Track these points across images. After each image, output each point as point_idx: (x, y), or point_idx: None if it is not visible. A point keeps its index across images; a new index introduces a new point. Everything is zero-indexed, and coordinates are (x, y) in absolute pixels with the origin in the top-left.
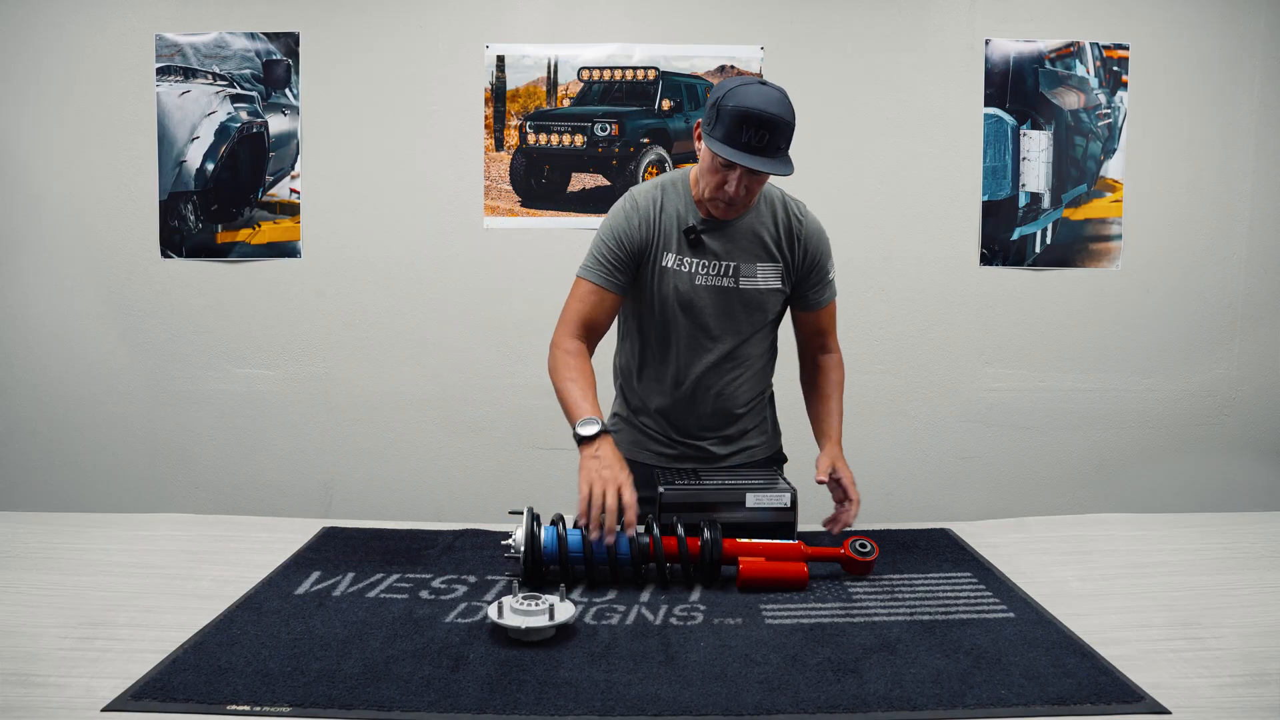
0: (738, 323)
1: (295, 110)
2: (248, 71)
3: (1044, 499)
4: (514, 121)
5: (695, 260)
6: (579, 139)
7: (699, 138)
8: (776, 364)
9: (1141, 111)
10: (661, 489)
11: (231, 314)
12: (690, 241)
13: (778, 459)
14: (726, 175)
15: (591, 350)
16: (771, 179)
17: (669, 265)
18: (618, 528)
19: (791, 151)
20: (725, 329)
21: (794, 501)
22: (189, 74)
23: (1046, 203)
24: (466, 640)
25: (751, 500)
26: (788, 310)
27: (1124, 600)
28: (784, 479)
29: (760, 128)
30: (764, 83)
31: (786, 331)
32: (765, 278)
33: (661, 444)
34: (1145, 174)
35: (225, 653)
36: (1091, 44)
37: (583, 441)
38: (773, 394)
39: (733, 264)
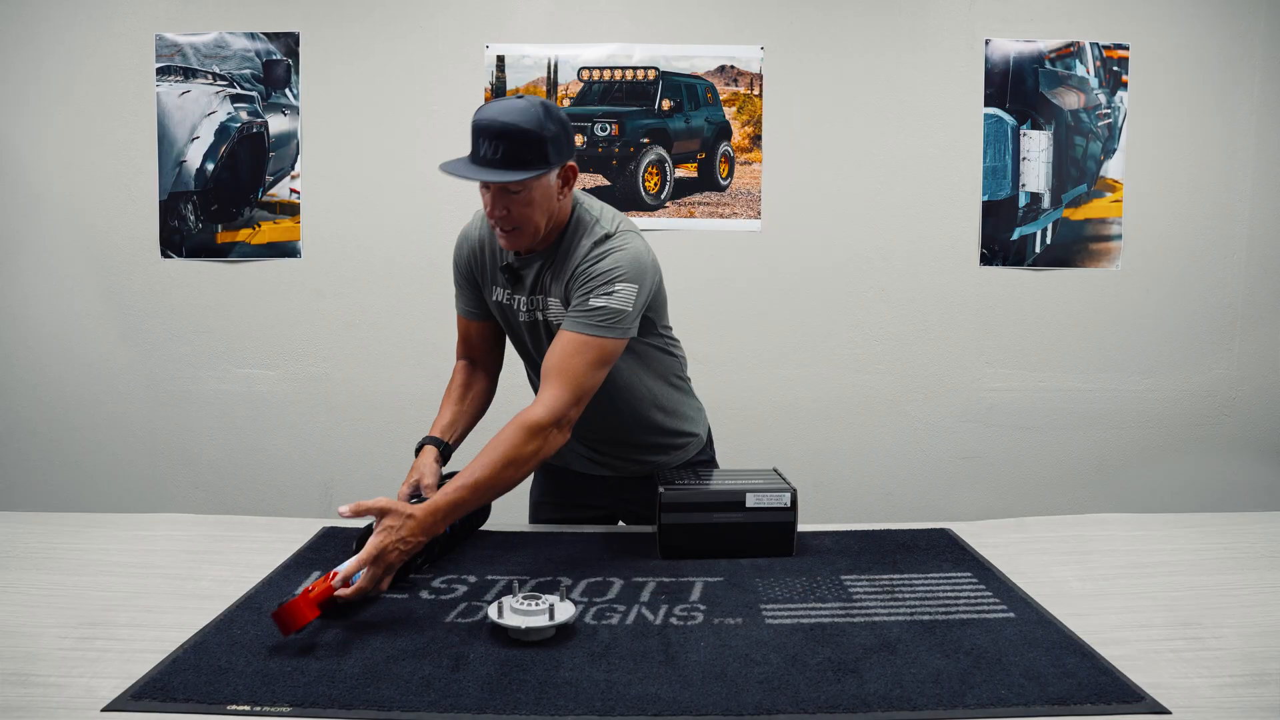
0: None
1: (295, 110)
2: (248, 71)
3: (1044, 499)
4: None
5: (515, 295)
6: (579, 139)
7: None
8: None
9: (1141, 111)
10: (661, 489)
11: (231, 314)
12: (508, 277)
13: (699, 462)
14: (487, 198)
15: (487, 364)
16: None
17: (499, 299)
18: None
19: (791, 150)
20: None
21: (794, 501)
22: (189, 74)
23: (1046, 203)
24: (466, 640)
25: (752, 500)
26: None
27: (1124, 600)
28: (783, 478)
29: (494, 139)
30: (520, 95)
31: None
32: (556, 310)
33: (581, 455)
34: (1145, 174)
35: (225, 653)
36: (1091, 44)
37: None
38: (671, 407)
39: (538, 297)
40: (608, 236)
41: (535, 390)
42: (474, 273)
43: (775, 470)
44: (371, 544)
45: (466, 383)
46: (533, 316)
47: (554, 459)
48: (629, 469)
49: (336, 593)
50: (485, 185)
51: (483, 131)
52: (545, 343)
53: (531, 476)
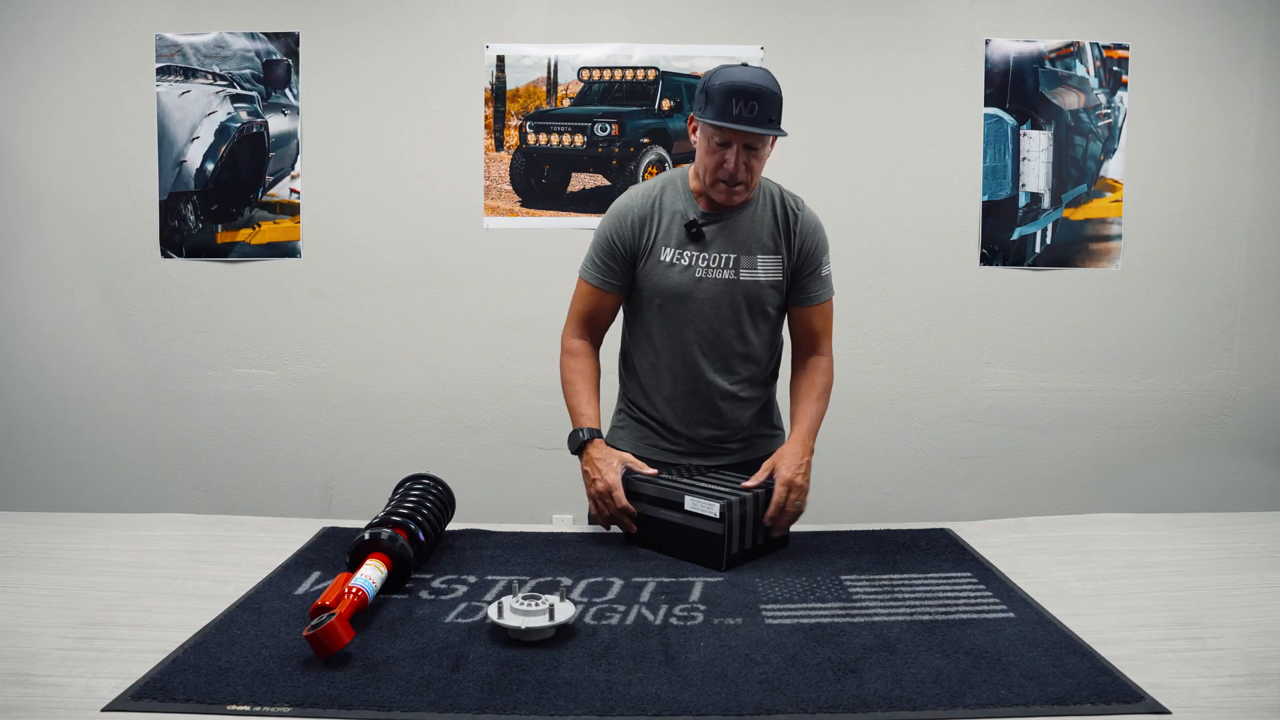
0: (739, 315)
1: (295, 110)
2: (248, 71)
3: (1044, 499)
4: (514, 121)
5: (696, 253)
6: (579, 139)
7: (693, 130)
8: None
9: (1141, 111)
10: (625, 474)
11: (231, 314)
12: (691, 235)
13: None
14: (724, 154)
15: (598, 340)
16: (768, 180)
17: (667, 260)
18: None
19: (792, 150)
20: (726, 321)
21: (723, 514)
22: (189, 74)
23: (1046, 203)
24: (466, 640)
25: (689, 504)
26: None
27: (1124, 600)
28: (738, 492)
29: (750, 98)
30: (746, 64)
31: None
32: (766, 270)
33: (666, 440)
34: (1145, 174)
35: (225, 653)
36: (1091, 44)
37: (575, 452)
38: (773, 399)
39: (733, 256)
40: (799, 204)
41: (648, 357)
42: (639, 242)
43: (741, 478)
44: (783, 482)
45: (595, 369)
46: (723, 274)
47: (637, 448)
48: (710, 446)
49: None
50: (724, 140)
51: (739, 93)
52: (729, 298)
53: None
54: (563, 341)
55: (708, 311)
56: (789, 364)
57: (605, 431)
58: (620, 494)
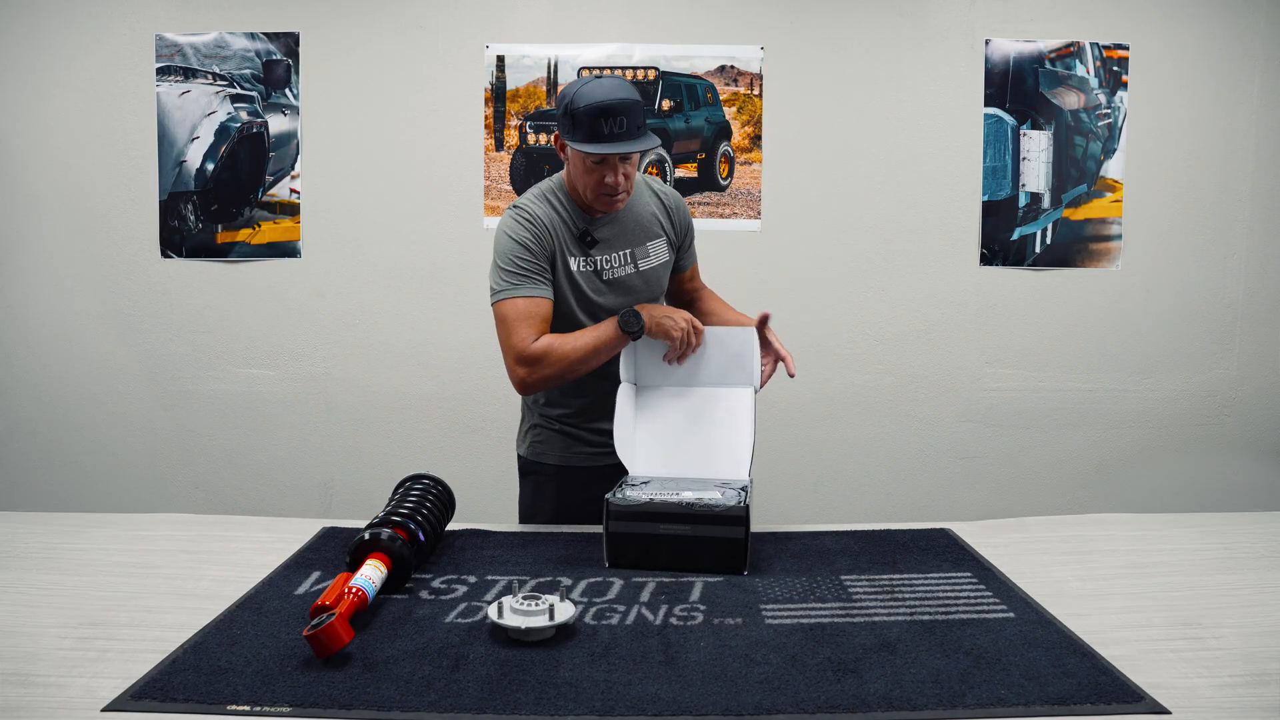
0: (641, 301)
1: (295, 110)
2: (248, 71)
3: (1044, 499)
4: (514, 121)
5: (598, 257)
6: None
7: (562, 149)
8: None
9: (1141, 111)
10: (608, 497)
11: (231, 314)
12: (587, 244)
13: None
14: (602, 171)
15: None
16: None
17: (575, 269)
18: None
19: (791, 150)
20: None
21: (745, 515)
22: (189, 74)
23: (1046, 203)
24: (466, 640)
25: (702, 500)
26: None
27: (1124, 600)
28: (725, 492)
29: (618, 114)
30: (598, 76)
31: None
32: (658, 253)
33: (590, 445)
34: (1145, 174)
35: (225, 653)
36: (1091, 44)
37: (637, 329)
38: None
39: (629, 250)
40: (663, 185)
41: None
42: (550, 253)
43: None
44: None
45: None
46: (626, 270)
47: (565, 458)
48: None
49: None
50: (601, 159)
51: (604, 111)
52: (634, 290)
53: (527, 489)
54: (527, 355)
55: (615, 308)
56: None
57: (521, 447)
58: (692, 316)
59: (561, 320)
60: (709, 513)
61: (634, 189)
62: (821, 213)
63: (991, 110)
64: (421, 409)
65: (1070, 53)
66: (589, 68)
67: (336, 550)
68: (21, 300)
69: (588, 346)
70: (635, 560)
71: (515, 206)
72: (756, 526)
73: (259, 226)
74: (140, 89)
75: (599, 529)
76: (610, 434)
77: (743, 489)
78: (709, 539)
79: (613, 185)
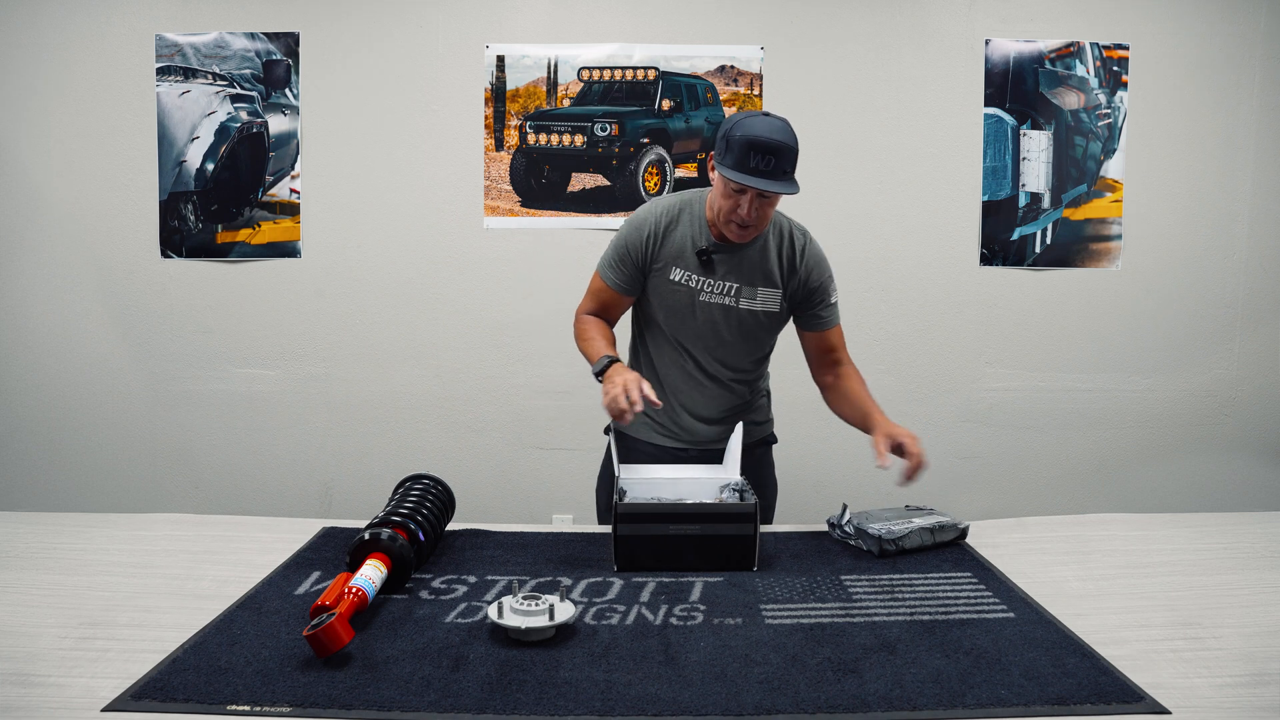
0: (734, 338)
1: (295, 110)
2: (248, 71)
3: (1044, 499)
4: (514, 121)
5: (702, 278)
6: (579, 139)
7: (712, 169)
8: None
9: (1141, 111)
10: (616, 499)
11: (231, 314)
12: (702, 261)
13: (769, 440)
14: (739, 200)
15: (612, 323)
16: (781, 206)
17: (677, 279)
18: (639, 404)
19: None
20: (720, 342)
21: (753, 511)
22: (189, 74)
23: (1046, 203)
24: (466, 640)
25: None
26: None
27: (1124, 600)
28: (728, 489)
29: (767, 153)
30: (768, 114)
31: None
32: (764, 301)
33: (655, 428)
34: (1145, 174)
35: (225, 653)
36: (1091, 44)
37: (598, 376)
38: (769, 389)
39: (736, 285)
40: (808, 239)
41: (641, 355)
42: (647, 253)
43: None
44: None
45: (608, 327)
46: (724, 300)
47: (632, 431)
48: (705, 435)
49: None
50: (740, 188)
51: (757, 147)
52: (725, 321)
53: (605, 454)
54: (578, 312)
55: (705, 331)
56: (786, 364)
57: None
58: (643, 386)
59: (656, 323)
60: (719, 511)
61: (774, 234)
62: (821, 213)
63: (991, 110)
64: (421, 409)
65: (1070, 53)
66: (589, 68)
67: (336, 550)
68: (21, 300)
69: (583, 345)
70: (644, 562)
71: (651, 204)
72: None
73: (259, 226)
74: (140, 89)
75: (599, 529)
76: (711, 420)
77: (742, 489)
78: (719, 537)
79: (743, 217)
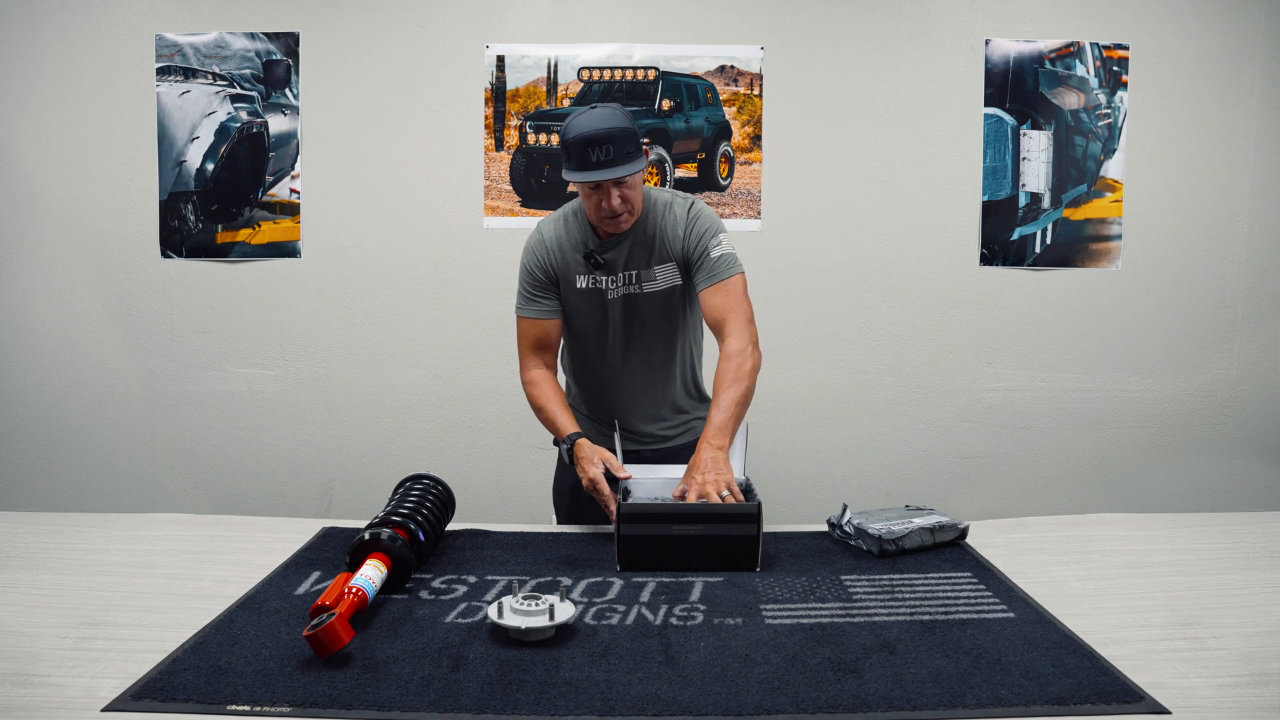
0: (648, 324)
1: (295, 110)
2: (248, 71)
3: (1044, 499)
4: (514, 121)
5: (605, 277)
6: None
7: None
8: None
9: (1141, 111)
10: (619, 498)
11: (231, 314)
12: (593, 264)
13: None
14: (598, 197)
15: (553, 364)
16: (781, 206)
17: (583, 286)
18: (611, 504)
19: (791, 150)
20: (638, 332)
21: (757, 512)
22: (189, 74)
23: (1046, 203)
24: (466, 640)
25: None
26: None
27: (1124, 600)
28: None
29: (603, 143)
30: (594, 107)
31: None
32: (664, 277)
33: (601, 435)
34: (1145, 174)
35: (225, 653)
36: (1091, 44)
37: (565, 451)
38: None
39: (634, 272)
40: (690, 203)
41: (581, 369)
42: (554, 272)
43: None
44: (696, 489)
45: (558, 387)
46: (628, 290)
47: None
48: (657, 434)
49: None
50: (596, 185)
51: (590, 141)
52: (638, 312)
53: (557, 461)
54: (521, 379)
55: (620, 326)
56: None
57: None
58: (602, 484)
59: (577, 334)
60: (722, 511)
61: (654, 213)
62: (821, 213)
63: (991, 110)
64: (421, 409)
65: (1070, 53)
66: (589, 68)
67: (336, 550)
68: (21, 300)
69: (543, 419)
70: (647, 562)
71: (536, 227)
72: None
73: (259, 226)
74: (140, 89)
75: (600, 529)
76: (625, 432)
77: (746, 489)
78: (722, 537)
79: (609, 208)
